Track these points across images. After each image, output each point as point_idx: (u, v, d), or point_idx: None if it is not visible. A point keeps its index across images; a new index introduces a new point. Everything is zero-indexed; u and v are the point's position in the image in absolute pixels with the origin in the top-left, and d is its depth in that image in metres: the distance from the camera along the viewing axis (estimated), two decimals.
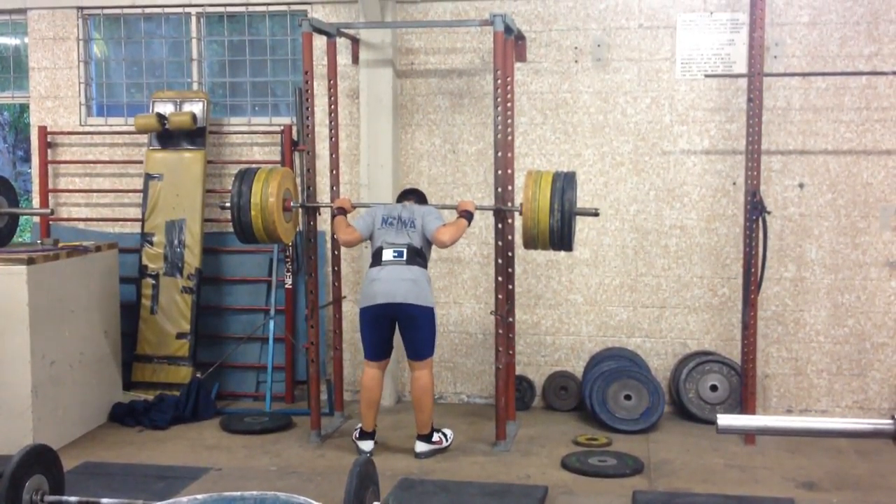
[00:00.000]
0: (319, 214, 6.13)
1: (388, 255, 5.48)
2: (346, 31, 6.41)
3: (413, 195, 5.82)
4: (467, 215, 5.55)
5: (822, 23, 6.24)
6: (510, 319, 5.92)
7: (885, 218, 6.26)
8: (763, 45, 5.73)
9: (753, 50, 5.68)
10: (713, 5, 6.36)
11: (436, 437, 5.61)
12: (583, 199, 6.13)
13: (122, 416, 6.24)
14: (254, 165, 6.18)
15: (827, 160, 6.30)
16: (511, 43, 6.06)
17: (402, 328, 5.54)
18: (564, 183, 5.33)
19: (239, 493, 3.11)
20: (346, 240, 5.66)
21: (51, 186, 7.15)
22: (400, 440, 5.82)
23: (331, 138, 6.21)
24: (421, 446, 5.55)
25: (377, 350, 5.59)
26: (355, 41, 6.60)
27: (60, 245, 6.13)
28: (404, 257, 5.45)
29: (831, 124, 6.28)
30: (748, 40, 5.90)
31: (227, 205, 5.62)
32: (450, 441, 5.67)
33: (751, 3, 5.73)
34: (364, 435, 5.62)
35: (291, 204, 5.75)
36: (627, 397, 6.05)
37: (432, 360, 5.62)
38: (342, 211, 5.72)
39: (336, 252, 6.16)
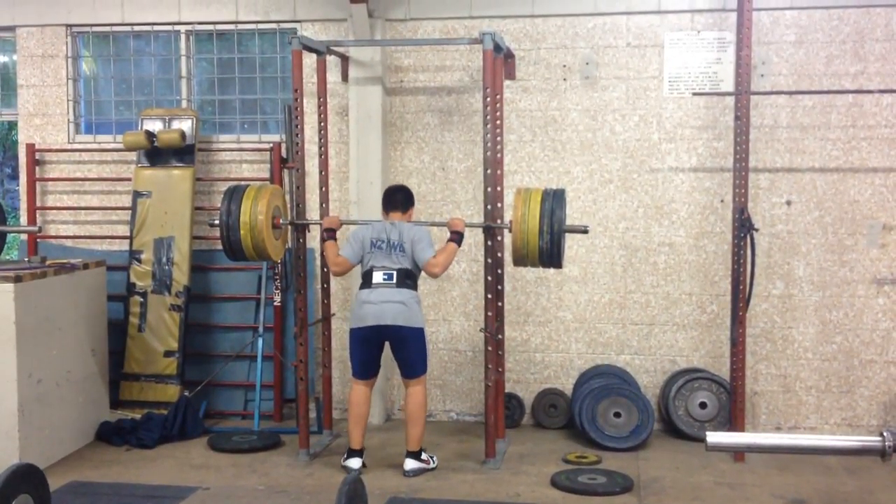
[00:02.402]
0: (309, 232, 6.12)
1: (378, 277, 5.47)
2: (335, 48, 6.43)
3: (400, 196, 5.70)
4: (457, 238, 5.54)
5: (808, 42, 6.29)
6: (500, 337, 5.92)
7: (872, 235, 6.30)
8: (750, 63, 5.76)
9: (740, 68, 5.72)
10: (700, 24, 6.40)
11: (424, 456, 5.60)
12: (572, 217, 6.15)
13: (110, 434, 6.20)
14: (243, 183, 6.16)
15: (814, 178, 6.34)
16: (500, 61, 6.09)
17: (394, 349, 5.56)
18: (554, 200, 5.34)
19: None
20: (336, 271, 5.67)
21: (38, 204, 7.12)
22: (388, 459, 5.79)
23: (320, 156, 6.21)
24: (410, 463, 5.53)
25: (366, 369, 5.60)
26: (345, 59, 6.62)
27: (48, 263, 6.10)
28: (394, 280, 5.45)
29: (818, 142, 6.32)
30: (735, 59, 5.94)
31: (216, 222, 5.62)
32: (436, 464, 5.66)
33: (738, 22, 5.78)
34: (352, 453, 5.59)
35: (280, 221, 5.74)
36: (617, 415, 6.05)
37: (426, 377, 5.64)
38: (331, 234, 5.70)
39: (325, 269, 6.14)
